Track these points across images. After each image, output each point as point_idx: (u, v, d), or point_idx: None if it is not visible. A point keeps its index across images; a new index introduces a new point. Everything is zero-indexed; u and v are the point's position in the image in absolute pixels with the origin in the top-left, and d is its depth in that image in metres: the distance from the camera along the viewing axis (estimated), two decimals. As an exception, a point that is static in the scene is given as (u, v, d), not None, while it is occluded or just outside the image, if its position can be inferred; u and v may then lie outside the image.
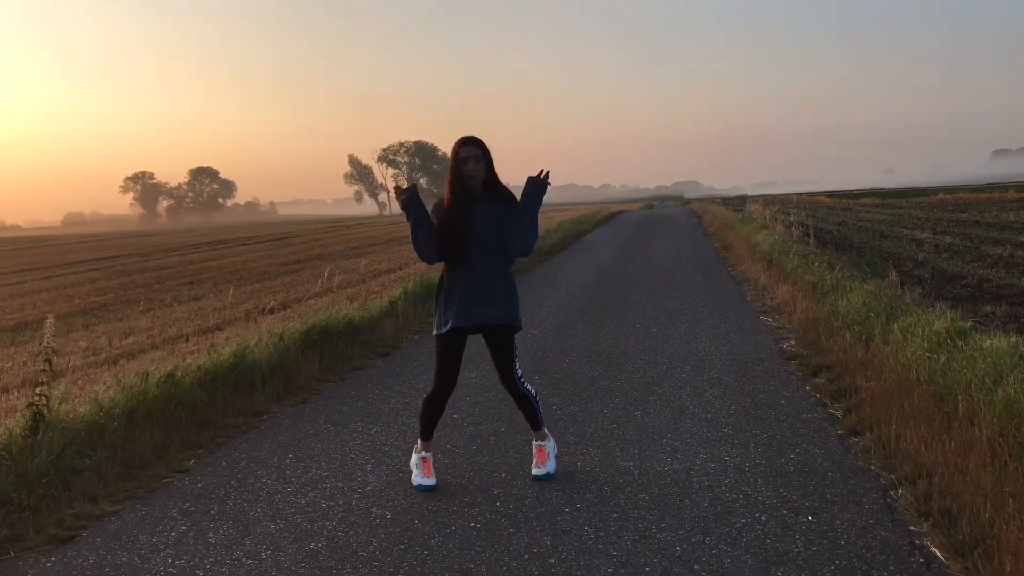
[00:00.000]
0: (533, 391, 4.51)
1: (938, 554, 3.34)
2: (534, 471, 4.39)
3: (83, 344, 9.78)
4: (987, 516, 3.44)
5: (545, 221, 36.70)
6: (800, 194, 76.04)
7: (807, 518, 3.73)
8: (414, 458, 4.42)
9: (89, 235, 69.94)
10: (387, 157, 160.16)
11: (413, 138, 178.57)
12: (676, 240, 22.99)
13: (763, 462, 4.50)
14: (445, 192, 4.12)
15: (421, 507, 4.08)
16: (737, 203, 41.00)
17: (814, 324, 7.89)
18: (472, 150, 4.06)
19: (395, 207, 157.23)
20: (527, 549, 3.54)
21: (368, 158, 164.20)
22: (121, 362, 8.09)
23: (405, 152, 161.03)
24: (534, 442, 4.50)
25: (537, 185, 4.20)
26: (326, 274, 13.01)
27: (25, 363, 8.82)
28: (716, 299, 10.90)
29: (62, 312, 13.65)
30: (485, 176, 4.12)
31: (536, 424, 4.48)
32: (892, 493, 3.96)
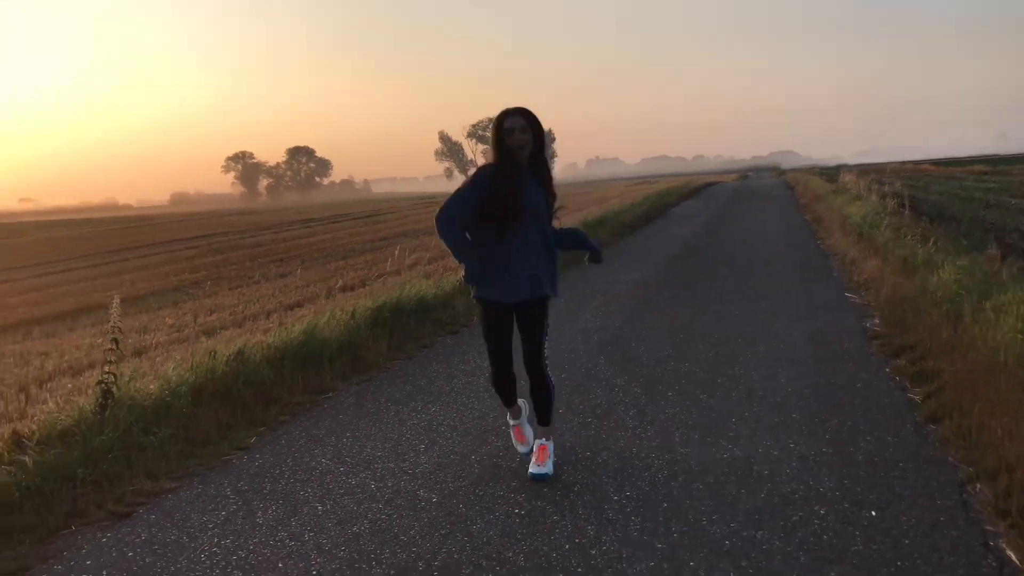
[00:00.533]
0: (553, 381, 4.30)
1: (1013, 557, 3.07)
2: (532, 470, 4.12)
3: (169, 321, 10.11)
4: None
5: (630, 195, 36.18)
6: (903, 162, 72.80)
7: (870, 513, 3.49)
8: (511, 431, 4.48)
9: (191, 214, 72.66)
10: (476, 133, 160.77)
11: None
12: (765, 212, 22.28)
13: (830, 450, 4.26)
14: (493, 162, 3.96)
15: (468, 491, 4.02)
16: (832, 173, 39.45)
17: (901, 302, 7.46)
18: (518, 120, 3.88)
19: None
20: (569, 538, 3.44)
21: (458, 134, 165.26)
22: (202, 339, 8.29)
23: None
24: (537, 440, 4.25)
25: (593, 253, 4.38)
26: (396, 252, 13.05)
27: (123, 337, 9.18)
28: (801, 274, 10.48)
29: (155, 290, 14.18)
30: (532, 148, 3.93)
31: (548, 418, 4.25)
32: (968, 488, 3.68)
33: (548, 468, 4.12)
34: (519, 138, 3.87)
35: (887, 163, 75.28)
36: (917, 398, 5.00)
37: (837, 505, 3.59)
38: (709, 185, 49.27)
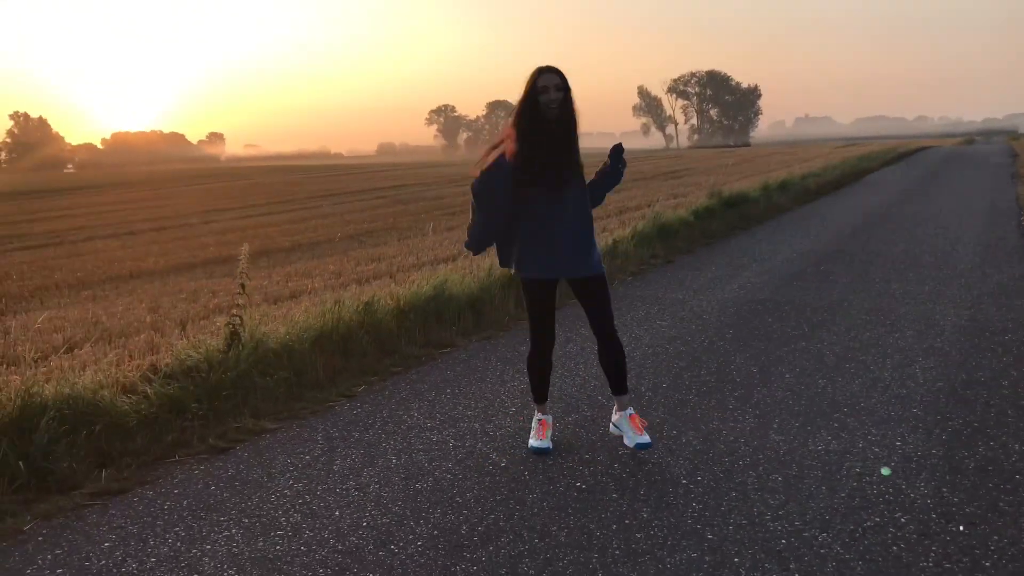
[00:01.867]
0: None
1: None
2: (639, 440, 3.85)
3: (332, 268, 10.69)
4: None
5: (832, 157, 34.12)
6: None
7: (958, 527, 3.15)
8: (533, 420, 4.24)
9: (391, 164, 76.18)
10: (677, 88, 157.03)
11: (705, 68, 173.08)
12: (971, 184, 20.32)
13: (939, 453, 3.87)
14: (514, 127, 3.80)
15: (537, 460, 3.99)
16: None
17: (1088, 292, 6.60)
18: (552, 78, 3.72)
19: (683, 140, 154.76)
20: (619, 519, 3.34)
21: (658, 89, 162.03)
22: (352, 287, 8.70)
23: (696, 82, 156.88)
24: (624, 412, 3.99)
25: (617, 167, 3.97)
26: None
27: (286, 281, 9.84)
28: (987, 255, 9.50)
29: (331, 237, 15.01)
30: (562, 112, 3.74)
31: (625, 385, 4.05)
32: (1089, 513, 3.23)
33: (648, 437, 3.89)
34: (553, 96, 3.72)
35: None
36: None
37: (923, 515, 3.26)
38: (920, 150, 45.55)
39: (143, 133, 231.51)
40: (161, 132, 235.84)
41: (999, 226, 12.02)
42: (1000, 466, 3.70)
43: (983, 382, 4.88)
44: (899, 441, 4.04)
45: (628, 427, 3.95)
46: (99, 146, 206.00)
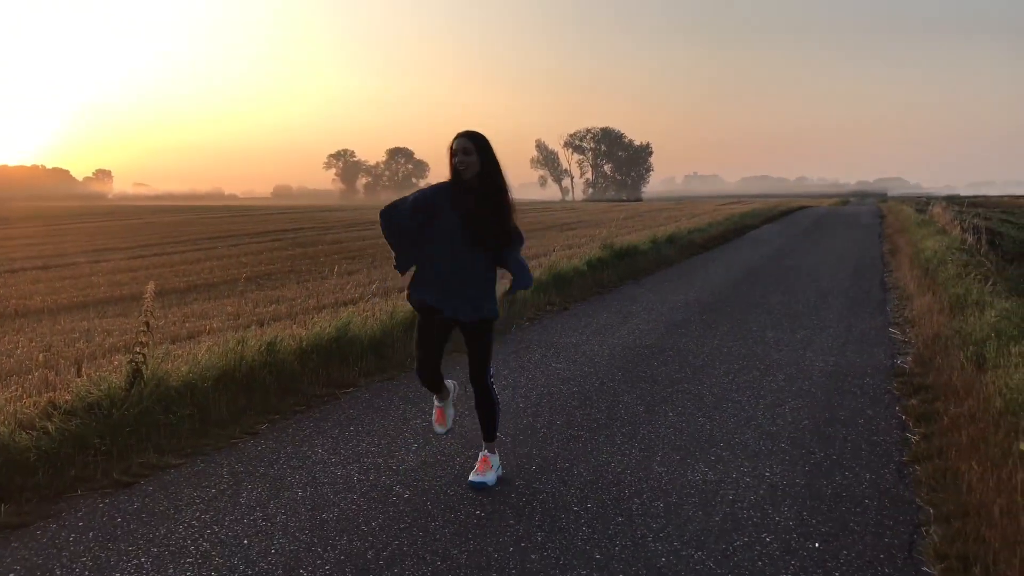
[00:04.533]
0: (498, 398, 4.45)
1: (937, 601, 3.09)
2: (472, 478, 4.26)
3: (230, 309, 10.65)
4: (1002, 568, 3.14)
5: (717, 213, 35.81)
6: (1018, 196, 69.41)
7: (814, 544, 3.55)
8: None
9: (287, 207, 75.27)
10: (573, 143, 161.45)
11: (600, 124, 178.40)
12: (843, 242, 21.75)
13: (802, 482, 4.30)
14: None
15: (440, 490, 4.22)
16: (924, 204, 38.08)
17: (936, 340, 7.32)
18: (463, 142, 4.02)
19: (577, 193, 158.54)
20: (516, 543, 3.60)
21: (555, 143, 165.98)
22: (252, 328, 8.73)
23: (592, 138, 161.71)
24: (481, 452, 4.39)
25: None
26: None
27: (183, 321, 9.74)
28: (853, 307, 10.30)
29: (230, 278, 14.87)
30: (479, 169, 4.03)
31: (492, 434, 4.38)
32: (923, 530, 3.68)
33: (487, 478, 4.23)
34: (461, 160, 4.00)
35: (1002, 196, 71.88)
36: (914, 438, 4.96)
37: (785, 535, 3.65)
38: (800, 209, 48.22)
39: (23, 167, 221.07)
40: (44, 167, 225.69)
41: (866, 281, 13.00)
42: (852, 492, 4.15)
43: (843, 420, 5.40)
44: (768, 472, 4.46)
45: (477, 464, 4.34)
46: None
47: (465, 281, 4.12)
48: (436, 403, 4.59)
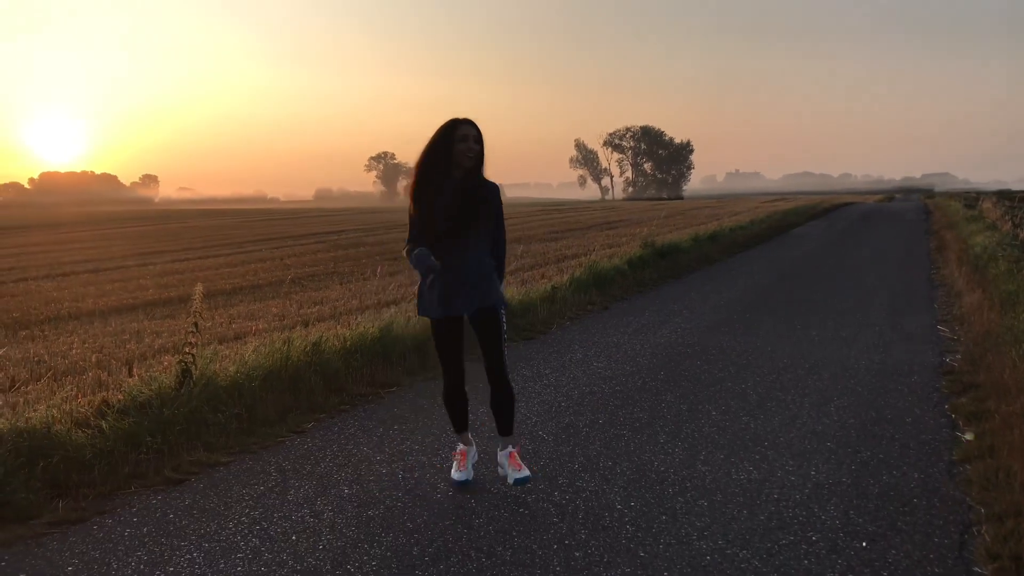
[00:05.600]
0: (514, 389, 4.33)
1: (989, 601, 3.05)
2: (516, 476, 4.07)
3: (275, 310, 10.81)
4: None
5: (759, 211, 35.43)
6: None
7: (861, 544, 3.51)
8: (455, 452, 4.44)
9: (329, 210, 76.11)
10: (612, 142, 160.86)
11: (639, 123, 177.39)
12: (889, 238, 21.41)
13: (848, 480, 4.25)
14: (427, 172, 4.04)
15: (485, 487, 4.25)
16: (972, 199, 37.26)
17: (987, 338, 7.18)
18: (471, 130, 3.96)
19: (617, 192, 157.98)
20: (560, 540, 3.61)
21: (594, 143, 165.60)
22: (298, 328, 8.86)
23: (631, 137, 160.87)
24: (503, 451, 4.23)
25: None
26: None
27: (229, 322, 9.92)
28: (899, 304, 10.14)
29: (275, 280, 15.08)
30: (474, 164, 4.00)
31: (510, 427, 4.26)
32: (974, 530, 3.62)
33: (525, 472, 4.09)
34: (471, 147, 3.96)
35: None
36: (965, 437, 4.88)
37: (832, 534, 3.62)
38: (844, 206, 47.52)
39: (74, 173, 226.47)
40: (93, 172, 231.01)
41: (912, 277, 12.78)
42: (900, 492, 4.09)
43: (890, 419, 5.33)
44: (813, 471, 4.42)
45: (507, 464, 4.18)
46: (26, 185, 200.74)
47: (461, 272, 4.03)
48: (461, 446, 4.38)
